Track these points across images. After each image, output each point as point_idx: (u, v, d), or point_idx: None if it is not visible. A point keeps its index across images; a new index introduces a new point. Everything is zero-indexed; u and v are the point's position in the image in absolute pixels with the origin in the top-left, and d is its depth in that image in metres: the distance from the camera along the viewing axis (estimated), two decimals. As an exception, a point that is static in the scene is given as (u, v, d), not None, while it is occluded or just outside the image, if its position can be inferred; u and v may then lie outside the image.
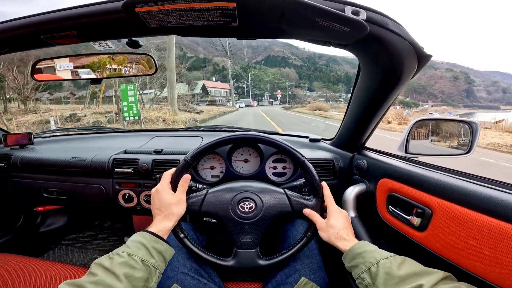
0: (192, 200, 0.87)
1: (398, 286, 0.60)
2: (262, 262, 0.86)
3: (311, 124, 18.64)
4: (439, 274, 0.59)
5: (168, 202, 0.79)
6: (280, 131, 1.96)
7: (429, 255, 0.74)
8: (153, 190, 0.83)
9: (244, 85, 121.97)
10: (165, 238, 0.75)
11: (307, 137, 1.49)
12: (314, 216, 0.85)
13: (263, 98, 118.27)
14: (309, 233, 0.87)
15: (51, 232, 1.94)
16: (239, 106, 57.48)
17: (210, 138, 0.91)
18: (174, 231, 0.85)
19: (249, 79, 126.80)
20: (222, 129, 1.81)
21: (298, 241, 0.88)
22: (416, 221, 0.78)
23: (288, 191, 0.89)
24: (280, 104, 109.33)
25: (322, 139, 1.45)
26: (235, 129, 1.73)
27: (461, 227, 0.64)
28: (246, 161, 1.23)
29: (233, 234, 0.86)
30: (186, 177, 0.83)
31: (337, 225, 0.81)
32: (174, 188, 0.83)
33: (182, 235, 0.87)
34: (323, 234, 0.82)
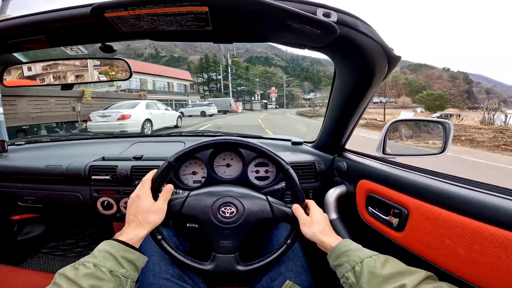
0: (172, 202, 0.85)
1: (382, 285, 0.60)
2: (240, 267, 0.85)
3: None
4: (421, 273, 0.60)
5: (146, 209, 0.77)
6: (270, 134, 1.95)
7: (408, 255, 0.75)
8: (133, 194, 0.80)
9: (220, 76, 63.51)
10: (136, 247, 0.72)
11: (289, 140, 1.49)
12: (299, 212, 0.85)
13: (253, 98, 71.50)
14: (289, 241, 0.88)
15: (30, 241, 1.88)
16: (205, 114, 27.62)
17: (192, 143, 0.90)
18: (152, 233, 0.83)
19: (231, 65, 60.26)
20: (204, 133, 1.80)
21: (277, 248, 0.88)
22: (394, 221, 0.80)
23: (270, 198, 0.89)
24: (277, 107, 76.21)
25: (304, 142, 1.46)
26: (218, 134, 1.72)
27: (436, 227, 0.65)
28: (228, 165, 1.22)
29: (213, 238, 0.85)
30: (169, 187, 0.82)
31: (321, 222, 0.83)
32: (155, 193, 0.81)
33: (159, 237, 0.85)
34: (306, 230, 0.82)
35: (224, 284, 1.01)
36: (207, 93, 67.42)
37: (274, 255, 0.87)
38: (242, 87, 72.33)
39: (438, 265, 0.65)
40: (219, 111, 32.76)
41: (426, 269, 0.63)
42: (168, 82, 41.86)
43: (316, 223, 0.82)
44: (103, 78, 0.91)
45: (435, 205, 0.67)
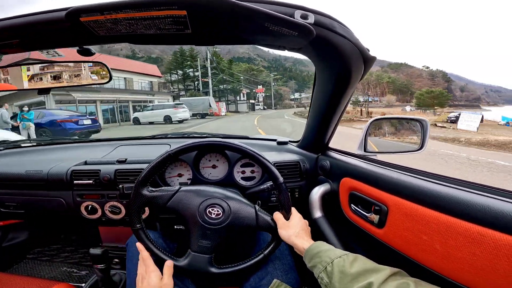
0: (160, 194, 0.86)
1: (352, 283, 0.62)
2: (213, 269, 0.86)
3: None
4: (386, 271, 0.62)
5: (155, 286, 0.78)
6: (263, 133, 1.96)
7: (389, 251, 0.76)
8: (141, 271, 0.82)
9: (199, 72, 46.77)
10: None
11: (275, 140, 1.50)
12: (278, 216, 0.89)
13: (238, 98, 57.96)
14: (266, 251, 0.89)
15: (15, 246, 1.84)
16: (170, 120, 19.79)
17: (177, 145, 0.91)
18: (131, 221, 0.85)
19: (211, 58, 43.97)
20: (191, 135, 1.78)
21: (254, 256, 0.90)
22: (375, 218, 0.81)
23: (257, 207, 0.91)
24: (264, 107, 66.88)
25: (290, 141, 1.47)
26: (204, 135, 1.71)
27: (413, 223, 0.67)
28: (214, 167, 1.22)
29: (192, 236, 0.86)
30: (170, 263, 0.83)
31: (298, 226, 0.86)
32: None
33: (138, 225, 0.86)
34: (283, 233, 0.85)
35: (215, 285, 1.01)
36: (182, 92, 51.26)
37: (249, 263, 0.89)
38: (225, 85, 54.18)
39: (417, 261, 0.67)
40: (194, 115, 24.38)
41: (405, 264, 0.65)
42: (125, 78, 29.11)
43: (293, 226, 0.86)
44: (82, 82, 0.89)
45: (412, 201, 0.68)
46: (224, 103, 47.49)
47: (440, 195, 0.62)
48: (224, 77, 52.41)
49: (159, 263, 0.83)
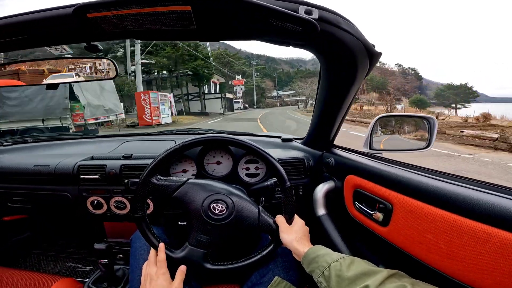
0: (168, 183, 0.87)
1: (349, 287, 0.62)
2: (207, 265, 0.86)
3: None
4: (383, 273, 0.62)
5: None
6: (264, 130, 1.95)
7: (393, 250, 0.76)
8: (151, 272, 0.81)
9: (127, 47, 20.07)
10: None
11: (279, 137, 1.50)
12: (280, 220, 0.89)
13: (206, 91, 34.19)
14: (263, 253, 0.89)
15: (21, 242, 1.87)
16: None
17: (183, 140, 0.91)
18: (135, 208, 0.85)
19: None
20: (195, 131, 1.79)
21: (251, 256, 0.90)
22: (379, 216, 0.81)
23: (261, 208, 0.90)
24: (246, 106, 52.66)
25: (294, 138, 1.47)
26: (209, 131, 1.72)
27: (418, 221, 0.66)
28: (218, 163, 1.22)
29: (193, 229, 0.86)
30: (184, 268, 0.83)
31: (300, 231, 0.86)
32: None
33: (141, 213, 0.86)
34: (285, 237, 0.85)
35: (216, 282, 1.02)
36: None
37: (245, 263, 0.89)
38: (181, 70, 27.86)
39: (421, 259, 0.67)
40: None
41: (410, 263, 0.65)
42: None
43: (295, 232, 0.85)
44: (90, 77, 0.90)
45: (417, 199, 0.68)
46: (181, 100, 29.64)
47: (446, 193, 0.62)
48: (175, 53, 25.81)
49: (170, 265, 0.83)
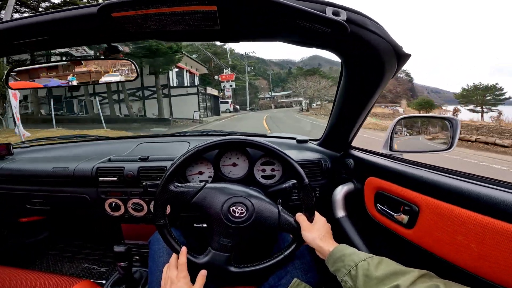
0: (186, 190, 0.87)
1: (377, 286, 0.61)
2: (232, 268, 0.86)
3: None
4: (415, 273, 0.60)
5: None
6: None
7: (418, 252, 0.75)
8: (171, 275, 0.81)
9: None
10: None
11: (294, 138, 1.49)
12: (301, 218, 0.87)
13: (174, 83, 19.53)
14: (286, 252, 0.88)
15: (38, 243, 1.89)
16: None
17: (197, 143, 0.90)
18: (156, 216, 0.85)
19: None
20: (209, 133, 1.79)
21: (274, 256, 0.89)
22: (404, 218, 0.79)
23: (281, 207, 0.90)
24: (236, 108, 37.27)
25: (309, 139, 1.45)
26: (222, 133, 1.72)
27: (447, 223, 0.65)
28: (234, 165, 1.22)
29: (214, 234, 0.86)
30: (204, 272, 0.82)
31: (323, 229, 0.85)
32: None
33: (162, 221, 0.86)
34: (307, 235, 0.84)
35: (233, 283, 1.01)
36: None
37: (269, 263, 0.88)
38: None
39: (449, 260, 0.65)
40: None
41: (436, 265, 0.63)
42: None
43: (317, 229, 0.84)
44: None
45: (446, 201, 0.66)
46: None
47: (478, 196, 0.60)
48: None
49: (190, 269, 0.82)
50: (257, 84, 55.56)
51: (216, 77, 36.54)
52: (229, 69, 37.95)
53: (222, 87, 35.75)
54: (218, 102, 29.36)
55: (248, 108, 44.54)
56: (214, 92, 28.26)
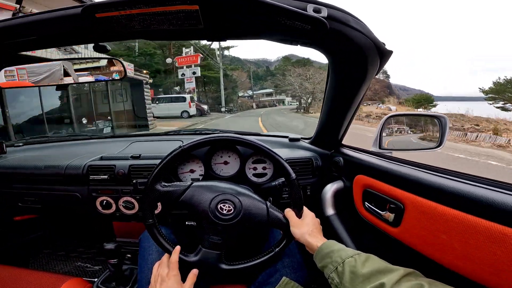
0: (173, 189, 0.87)
1: (363, 284, 0.61)
2: (223, 266, 0.86)
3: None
4: (400, 271, 0.60)
5: None
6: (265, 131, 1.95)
7: (404, 250, 0.75)
8: (162, 273, 0.81)
9: None
10: None
11: (286, 137, 1.49)
12: (290, 214, 0.86)
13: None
14: (277, 249, 0.88)
15: (31, 241, 1.89)
16: None
17: (190, 141, 0.90)
18: (144, 216, 0.85)
19: None
20: (202, 132, 1.79)
21: (265, 253, 0.89)
22: (390, 216, 0.80)
23: (269, 204, 0.90)
24: (208, 112, 23.10)
25: (302, 138, 1.46)
26: (215, 132, 1.72)
27: (431, 222, 0.65)
28: (225, 163, 1.22)
29: (203, 232, 0.86)
30: (195, 271, 0.83)
31: (311, 224, 0.84)
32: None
33: (150, 221, 0.86)
34: (296, 231, 0.83)
35: (224, 282, 1.01)
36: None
37: (260, 260, 0.88)
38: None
39: (434, 259, 0.66)
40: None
41: (422, 264, 0.63)
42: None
43: (306, 225, 0.83)
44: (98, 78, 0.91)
45: (430, 199, 0.67)
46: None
47: (460, 193, 0.60)
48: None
49: (181, 267, 0.82)
50: (235, 77, 42.63)
51: (172, 60, 24.59)
52: (191, 48, 25.06)
53: (181, 75, 24.60)
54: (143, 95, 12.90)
55: (223, 109, 31.28)
56: (142, 77, 12.57)
